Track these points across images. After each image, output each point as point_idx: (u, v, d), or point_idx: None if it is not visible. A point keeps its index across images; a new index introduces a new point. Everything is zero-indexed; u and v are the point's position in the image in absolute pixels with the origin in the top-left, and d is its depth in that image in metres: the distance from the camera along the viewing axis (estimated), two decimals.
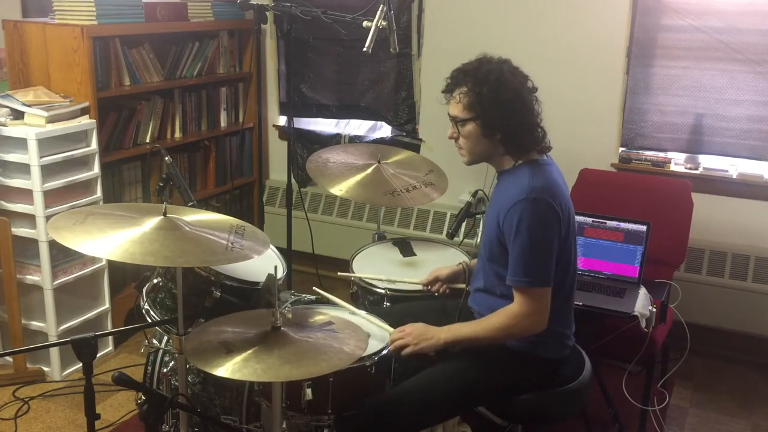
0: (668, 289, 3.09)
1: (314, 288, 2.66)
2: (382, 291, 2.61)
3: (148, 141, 3.77)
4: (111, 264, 3.47)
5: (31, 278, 3.28)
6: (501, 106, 2.15)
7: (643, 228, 2.94)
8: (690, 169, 3.68)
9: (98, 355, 2.66)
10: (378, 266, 2.81)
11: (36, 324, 3.33)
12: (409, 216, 4.22)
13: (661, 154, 3.75)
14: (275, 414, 2.04)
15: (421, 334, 2.20)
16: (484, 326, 2.19)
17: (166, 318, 2.38)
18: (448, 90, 2.24)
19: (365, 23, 2.95)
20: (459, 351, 2.28)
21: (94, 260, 3.41)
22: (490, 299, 2.28)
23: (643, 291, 2.85)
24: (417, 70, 4.12)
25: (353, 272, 2.74)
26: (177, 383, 2.32)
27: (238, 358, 1.85)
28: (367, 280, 2.67)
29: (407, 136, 4.23)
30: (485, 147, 2.22)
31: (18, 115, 3.20)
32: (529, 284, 2.11)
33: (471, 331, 2.20)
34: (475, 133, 2.19)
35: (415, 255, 2.95)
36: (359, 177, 2.90)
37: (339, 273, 2.83)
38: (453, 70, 2.25)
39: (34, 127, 3.14)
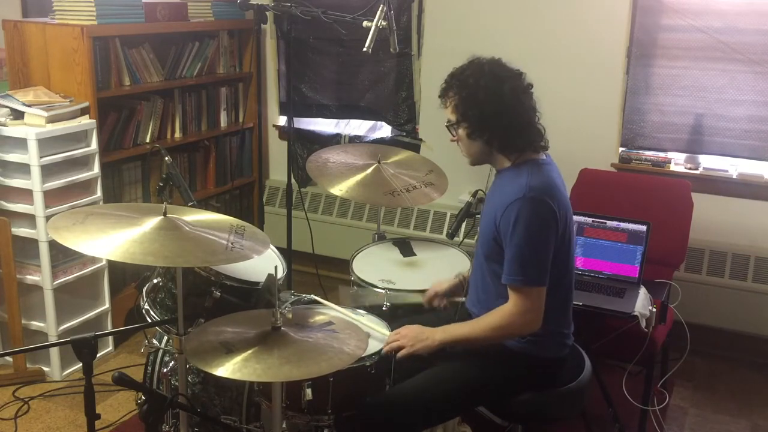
0: (668, 289, 3.09)
1: (313, 296, 2.62)
2: (382, 291, 2.61)
3: (148, 141, 3.76)
4: (111, 264, 3.47)
5: (31, 278, 3.28)
6: (479, 109, 2.15)
7: (643, 228, 2.94)
8: (690, 169, 3.68)
9: (98, 355, 2.66)
10: (378, 266, 2.81)
11: (36, 324, 3.33)
12: (409, 216, 4.22)
13: (661, 154, 3.75)
14: (275, 414, 2.04)
15: (416, 336, 2.21)
16: (479, 326, 2.19)
17: (166, 318, 2.38)
18: (441, 95, 2.26)
19: (365, 23, 2.95)
20: (459, 351, 2.28)
21: (94, 260, 3.40)
22: (487, 298, 2.27)
23: (643, 291, 2.85)
24: (417, 70, 4.12)
25: (353, 271, 2.74)
26: (177, 383, 2.32)
27: (238, 358, 1.85)
28: (367, 280, 2.67)
29: (407, 136, 4.23)
30: (478, 148, 2.23)
31: (18, 115, 3.20)
32: (524, 283, 2.11)
33: (467, 331, 2.21)
34: (464, 135, 2.22)
35: (415, 255, 2.94)
36: (359, 177, 2.90)
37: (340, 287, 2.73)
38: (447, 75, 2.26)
39: (34, 127, 3.14)
